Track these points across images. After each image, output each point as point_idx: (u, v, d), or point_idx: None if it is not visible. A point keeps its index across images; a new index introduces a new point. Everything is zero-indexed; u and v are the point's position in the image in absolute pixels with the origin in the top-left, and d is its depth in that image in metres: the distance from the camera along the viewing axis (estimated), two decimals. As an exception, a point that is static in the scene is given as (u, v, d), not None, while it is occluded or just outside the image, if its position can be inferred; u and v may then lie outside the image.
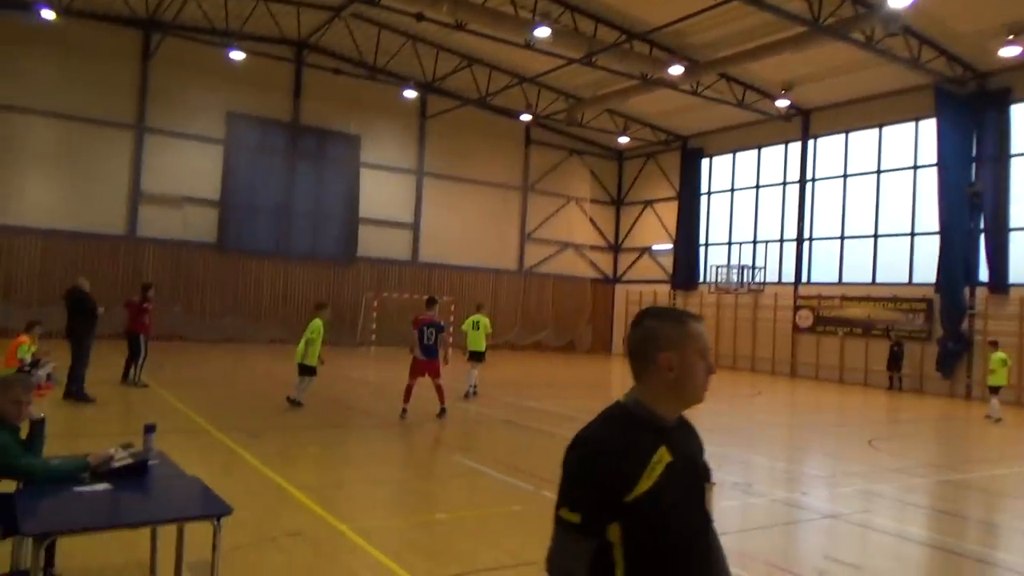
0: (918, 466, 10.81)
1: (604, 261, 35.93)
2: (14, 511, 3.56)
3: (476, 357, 15.15)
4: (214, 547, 3.56)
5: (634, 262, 35.17)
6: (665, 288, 32.85)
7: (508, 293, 32.50)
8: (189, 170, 25.64)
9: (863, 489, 8.80)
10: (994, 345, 17.42)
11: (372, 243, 29.16)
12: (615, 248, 36.15)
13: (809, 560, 6.18)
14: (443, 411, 11.84)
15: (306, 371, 12.27)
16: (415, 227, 30.37)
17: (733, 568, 5.76)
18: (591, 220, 35.30)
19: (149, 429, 4.61)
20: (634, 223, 35.39)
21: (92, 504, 3.73)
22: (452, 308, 30.42)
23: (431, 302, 12.78)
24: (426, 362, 11.78)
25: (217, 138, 26.17)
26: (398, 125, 29.95)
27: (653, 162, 34.34)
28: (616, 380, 22.15)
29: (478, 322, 15.55)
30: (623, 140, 32.09)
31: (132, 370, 13.45)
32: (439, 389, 11.87)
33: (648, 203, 34.61)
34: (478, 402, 14.53)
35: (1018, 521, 7.99)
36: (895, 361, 23.68)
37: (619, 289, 35.58)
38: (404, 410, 11.51)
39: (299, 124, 27.70)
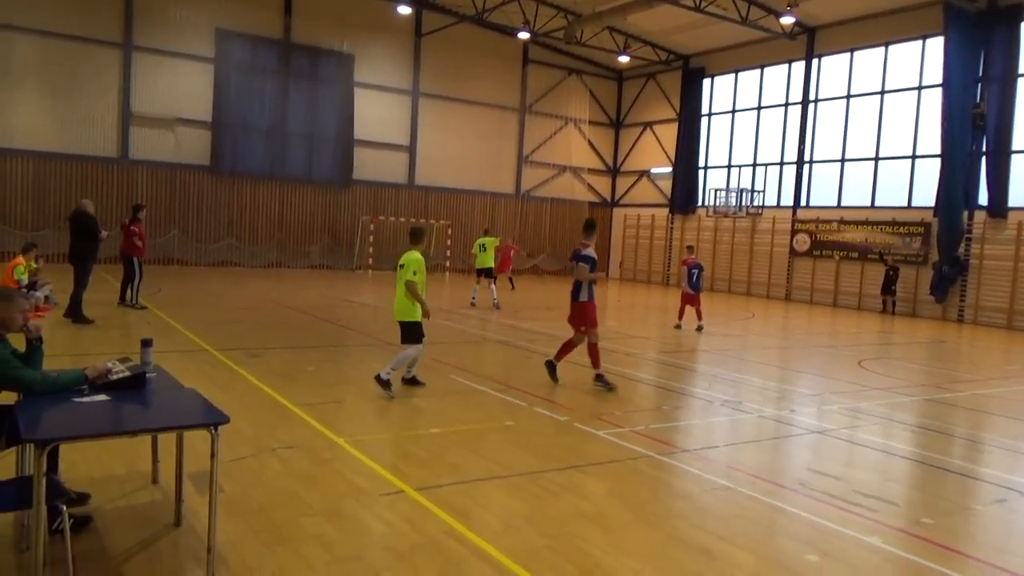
0: (906, 386, 11.02)
1: (602, 184, 35.64)
2: (16, 421, 3.64)
3: (486, 273, 17.50)
4: (212, 455, 3.65)
5: (632, 185, 34.90)
6: (663, 212, 32.73)
7: (505, 217, 32.36)
8: (180, 90, 25.10)
9: (851, 407, 9.00)
10: None
11: (368, 166, 28.83)
12: (613, 171, 35.80)
13: (793, 472, 6.37)
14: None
15: (411, 334, 7.95)
16: (411, 149, 29.97)
17: (720, 479, 5.94)
18: (589, 142, 34.83)
19: (146, 343, 4.68)
20: (633, 145, 34.94)
21: (92, 413, 3.81)
22: (449, 232, 30.41)
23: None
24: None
25: (207, 56, 25.51)
26: (392, 43, 29.16)
27: (653, 82, 33.64)
28: (611, 303, 22.31)
29: (484, 244, 17.87)
30: (623, 59, 31.33)
31: (129, 292, 13.52)
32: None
33: (648, 125, 34.08)
34: (476, 324, 14.68)
35: (1000, 438, 8.20)
36: (889, 285, 23.81)
37: (617, 212, 35.43)
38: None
39: (291, 42, 26.97)
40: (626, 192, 35.25)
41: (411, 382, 8.23)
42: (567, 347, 9.14)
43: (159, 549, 4.07)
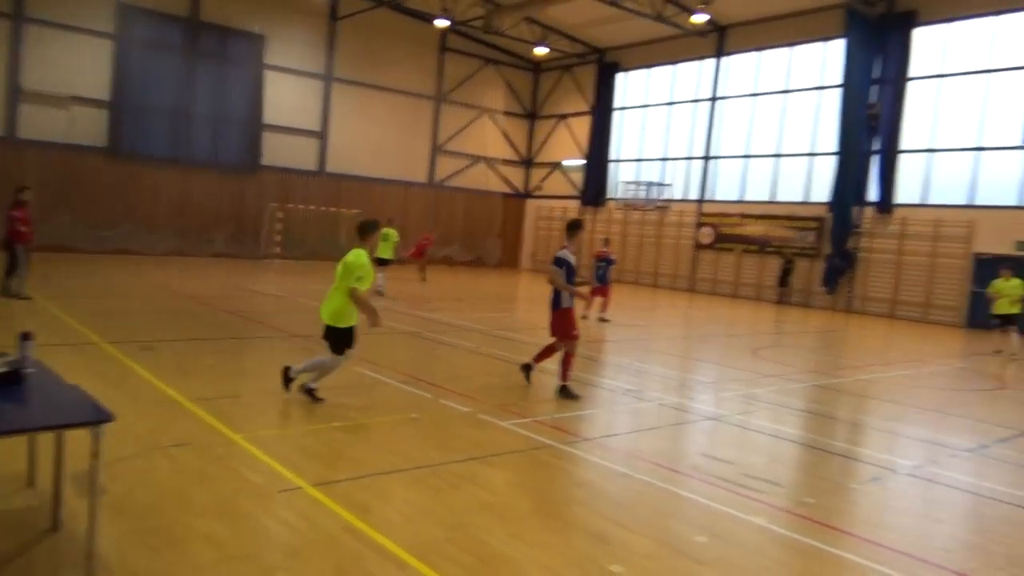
0: (796, 372, 11.61)
1: (516, 175, 35.84)
2: None
3: (381, 263, 17.44)
4: (94, 454, 3.50)
5: (546, 177, 35.25)
6: (575, 204, 33.19)
7: (418, 206, 32.11)
8: (76, 67, 23.65)
9: (745, 393, 9.41)
10: (1010, 271, 15.74)
11: (277, 151, 28.01)
12: (527, 162, 36.05)
13: (689, 458, 6.62)
14: None
15: (341, 341, 7.17)
16: (323, 135, 29.29)
17: (620, 467, 6.09)
18: (504, 133, 34.94)
19: (25, 337, 4.41)
20: (547, 137, 35.27)
21: (-44, 414, 3.57)
22: (361, 221, 29.89)
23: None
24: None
25: (107, 32, 24.13)
26: (306, 26, 28.38)
27: (569, 75, 34.02)
28: (523, 294, 22.52)
29: (387, 235, 17.99)
30: (540, 51, 31.53)
31: (11, 282, 12.70)
32: None
33: (562, 117, 34.46)
34: (385, 315, 14.53)
35: (879, 420, 8.76)
36: (785, 277, 25.00)
37: (530, 204, 35.73)
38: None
39: (198, 20, 25.82)
40: (539, 183, 35.58)
41: (309, 393, 7.27)
42: (547, 351, 8.68)
43: (34, 556, 3.86)
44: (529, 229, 35.56)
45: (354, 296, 6.96)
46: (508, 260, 35.56)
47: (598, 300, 16.07)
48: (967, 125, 21.93)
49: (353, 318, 7.13)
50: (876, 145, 23.40)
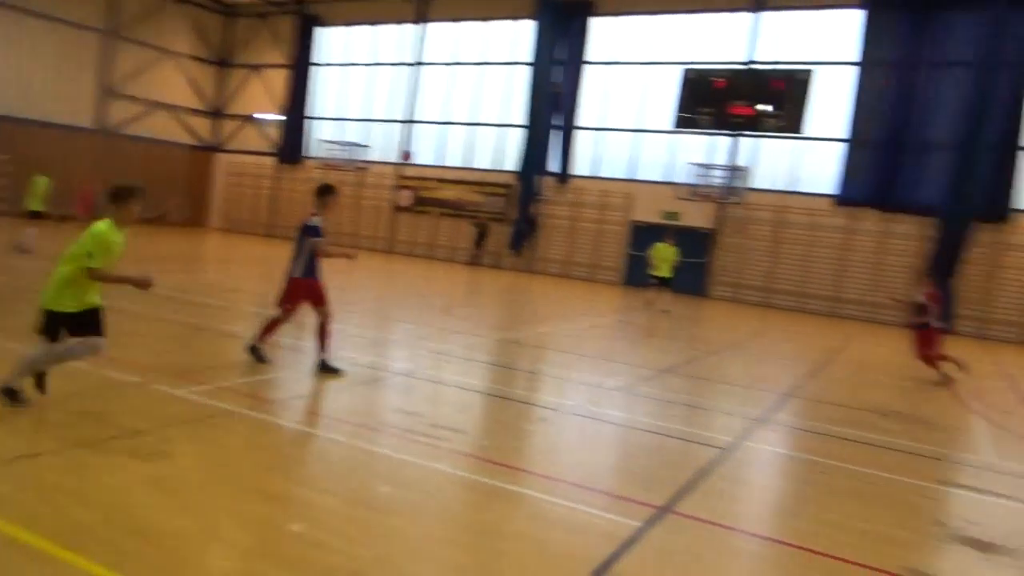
0: (483, 328, 12.39)
1: (203, 127, 33.01)
2: None
3: (34, 216, 16.10)
4: None
5: (238, 130, 32.96)
6: (270, 160, 31.59)
7: (84, 155, 28.08)
8: None
9: (436, 350, 9.80)
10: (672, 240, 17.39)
11: None
12: (217, 113, 33.36)
13: (379, 414, 6.72)
14: None
15: (66, 325, 5.67)
16: (-52, 62, 24.14)
17: (308, 428, 5.94)
18: (191, 80, 31.85)
19: None
20: (239, 88, 32.91)
21: None
22: (12, 171, 25.36)
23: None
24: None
25: None
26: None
27: (265, 25, 31.99)
28: (212, 255, 20.96)
29: (36, 183, 16.72)
30: (230, -7, 29.16)
31: None
32: None
33: (256, 68, 32.36)
34: (38, 277, 12.55)
35: (551, 368, 9.70)
36: (480, 240, 26.50)
37: (220, 158, 33.22)
38: None
39: None
40: (230, 137, 33.18)
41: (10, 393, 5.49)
42: (272, 325, 7.83)
43: None
44: (220, 186, 33.07)
45: (96, 276, 5.65)
46: (195, 218, 32.74)
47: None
48: (630, 109, 24.96)
49: (72, 303, 5.63)
50: (558, 121, 25.62)
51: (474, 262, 26.62)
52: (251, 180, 32.10)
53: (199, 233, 29.71)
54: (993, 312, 20.03)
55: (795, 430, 7.65)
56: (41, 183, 16.39)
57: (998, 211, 19.81)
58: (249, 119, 32.46)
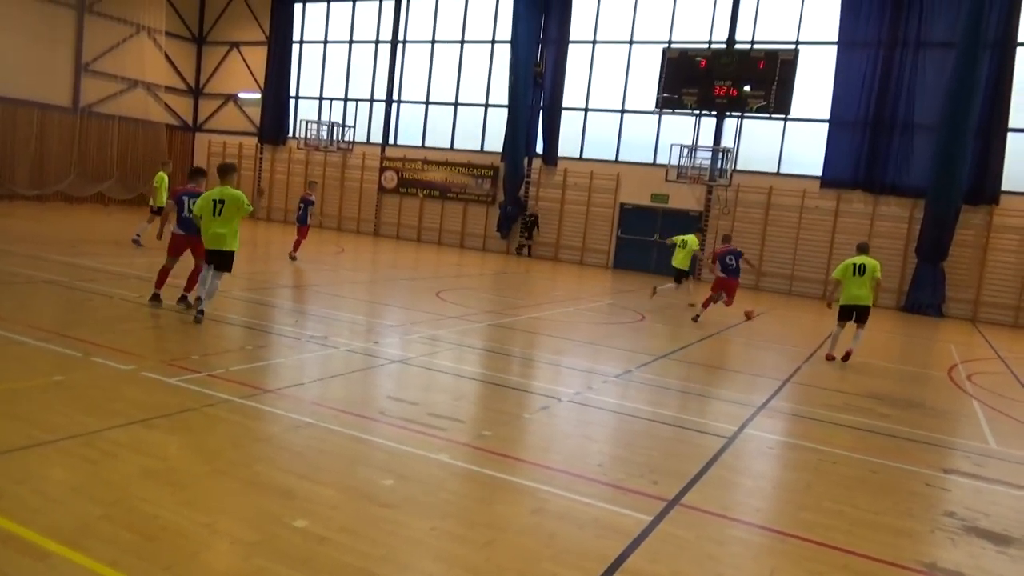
0: (475, 313, 12.28)
1: (182, 106, 32.39)
2: None
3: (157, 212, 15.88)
4: None
5: (218, 110, 32.39)
6: (252, 140, 31.10)
7: (59, 134, 27.45)
8: None
9: (429, 335, 9.70)
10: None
11: None
12: (196, 92, 32.74)
13: (375, 402, 6.62)
14: None
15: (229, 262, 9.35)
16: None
17: (305, 417, 5.84)
18: (167, 57, 31.17)
19: None
20: (218, 66, 32.28)
21: None
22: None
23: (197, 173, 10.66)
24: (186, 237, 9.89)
25: None
26: None
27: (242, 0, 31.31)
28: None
29: (161, 178, 16.69)
30: (206, -33, 28.46)
31: None
32: None
33: (235, 45, 31.74)
34: (19, 261, 12.26)
35: (546, 354, 9.63)
36: (530, 229, 25.47)
37: (200, 138, 32.65)
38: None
39: None
40: (210, 116, 32.59)
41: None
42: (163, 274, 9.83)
43: None
44: (201, 165, 32.49)
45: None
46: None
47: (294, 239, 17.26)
48: (615, 89, 24.75)
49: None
50: (542, 101, 25.38)
51: (519, 252, 25.72)
52: (232, 160, 31.58)
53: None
54: (983, 294, 20.21)
55: (796, 417, 7.65)
56: (164, 179, 16.36)
57: (987, 193, 19.91)
58: (230, 98, 31.87)
